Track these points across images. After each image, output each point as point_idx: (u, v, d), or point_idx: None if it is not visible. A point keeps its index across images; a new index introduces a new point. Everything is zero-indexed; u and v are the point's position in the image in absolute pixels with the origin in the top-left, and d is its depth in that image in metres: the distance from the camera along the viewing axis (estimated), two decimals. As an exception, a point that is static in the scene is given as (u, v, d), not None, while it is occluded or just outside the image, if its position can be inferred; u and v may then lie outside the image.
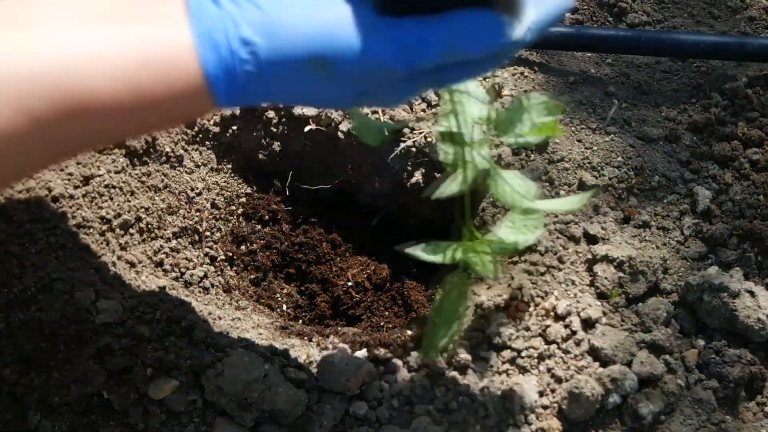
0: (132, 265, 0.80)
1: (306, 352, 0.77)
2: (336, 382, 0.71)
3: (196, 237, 0.90)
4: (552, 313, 0.77)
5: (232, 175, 0.98)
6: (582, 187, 0.88)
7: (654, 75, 1.04)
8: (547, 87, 0.99)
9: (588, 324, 0.76)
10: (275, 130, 0.98)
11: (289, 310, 0.96)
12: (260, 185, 1.01)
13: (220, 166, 0.96)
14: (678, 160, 0.92)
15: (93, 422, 0.68)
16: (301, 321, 0.96)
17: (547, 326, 0.76)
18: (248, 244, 0.96)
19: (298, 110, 0.97)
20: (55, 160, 0.52)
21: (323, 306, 0.97)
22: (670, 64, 1.05)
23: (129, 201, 0.83)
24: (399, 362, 0.76)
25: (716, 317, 0.76)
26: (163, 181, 0.89)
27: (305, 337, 0.84)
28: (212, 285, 0.87)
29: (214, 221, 0.93)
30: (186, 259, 0.87)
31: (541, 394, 0.73)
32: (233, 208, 0.97)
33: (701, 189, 0.88)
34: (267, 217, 0.99)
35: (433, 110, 0.96)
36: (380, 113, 0.96)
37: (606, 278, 0.79)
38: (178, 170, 0.92)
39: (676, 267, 0.81)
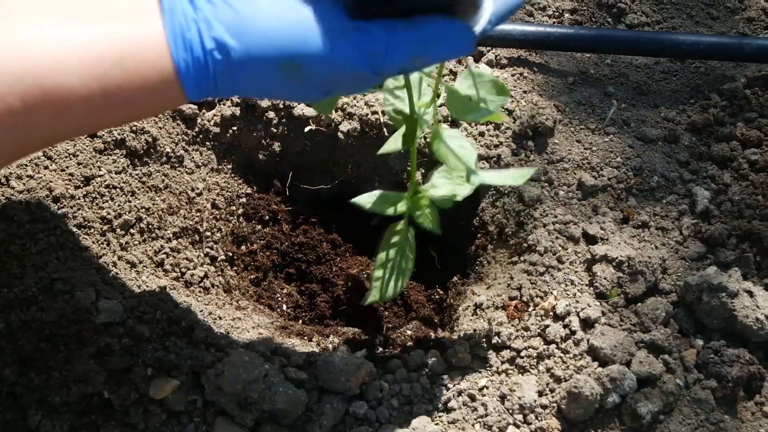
0: (132, 265, 0.80)
1: (306, 351, 0.77)
2: (336, 382, 0.71)
3: (197, 237, 0.91)
4: (551, 313, 0.77)
5: (233, 175, 0.98)
6: (581, 187, 0.89)
7: (653, 76, 1.04)
8: (546, 87, 0.99)
9: (587, 324, 0.76)
10: (275, 130, 0.98)
11: (289, 310, 0.96)
12: (260, 185, 1.01)
13: (220, 167, 0.97)
14: (677, 160, 0.93)
15: (93, 422, 0.68)
16: (301, 321, 0.96)
17: (547, 326, 0.76)
18: (248, 244, 0.97)
19: (298, 110, 0.98)
20: (26, 152, 0.53)
21: (323, 306, 0.97)
22: (669, 65, 1.06)
23: (129, 201, 0.83)
24: (399, 362, 0.76)
25: (715, 317, 0.76)
26: (163, 181, 0.89)
27: (305, 337, 0.84)
28: (212, 285, 0.88)
29: (214, 221, 0.93)
30: (186, 259, 0.87)
31: (541, 393, 0.73)
32: (233, 208, 0.97)
33: (700, 189, 0.88)
34: (267, 217, 1.00)
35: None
36: (380, 114, 0.96)
37: (605, 278, 0.79)
38: (179, 170, 0.92)
39: (675, 267, 0.82)
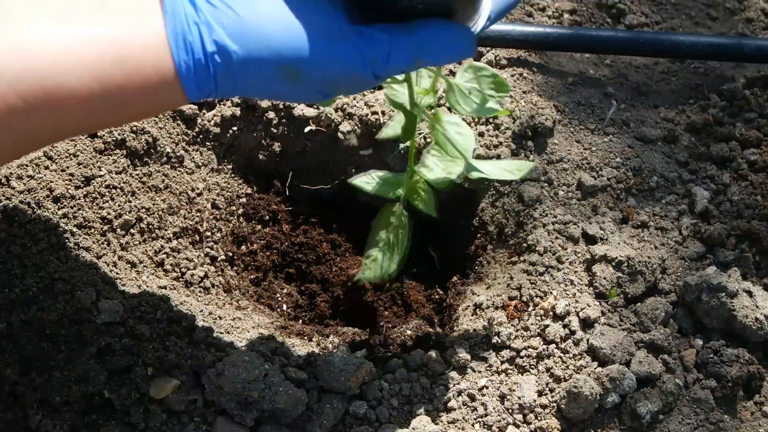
0: (133, 265, 0.80)
1: (306, 351, 0.77)
2: (336, 381, 0.71)
3: (197, 237, 0.91)
4: (551, 313, 0.77)
5: (233, 175, 0.98)
6: (581, 187, 0.89)
7: (652, 76, 1.04)
8: (546, 88, 0.99)
9: (587, 324, 0.76)
10: (275, 130, 0.98)
11: (289, 310, 0.96)
12: (260, 185, 1.01)
13: (220, 167, 0.97)
14: (676, 160, 0.93)
15: (94, 422, 0.68)
16: (301, 321, 0.96)
17: (546, 326, 0.76)
18: (248, 244, 0.97)
19: (298, 111, 0.98)
20: (25, 151, 0.53)
21: (323, 306, 0.97)
22: (668, 65, 1.06)
23: (130, 201, 0.83)
24: (399, 362, 0.76)
25: (714, 317, 0.76)
26: (163, 181, 0.89)
27: (305, 337, 0.85)
28: (213, 285, 0.88)
29: (214, 221, 0.93)
30: (186, 259, 0.87)
31: (540, 393, 0.73)
32: (233, 208, 0.97)
33: (699, 189, 0.88)
34: (267, 217, 1.00)
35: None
36: (380, 114, 0.97)
37: (605, 278, 0.79)
38: (179, 171, 0.92)
39: (675, 267, 0.82)
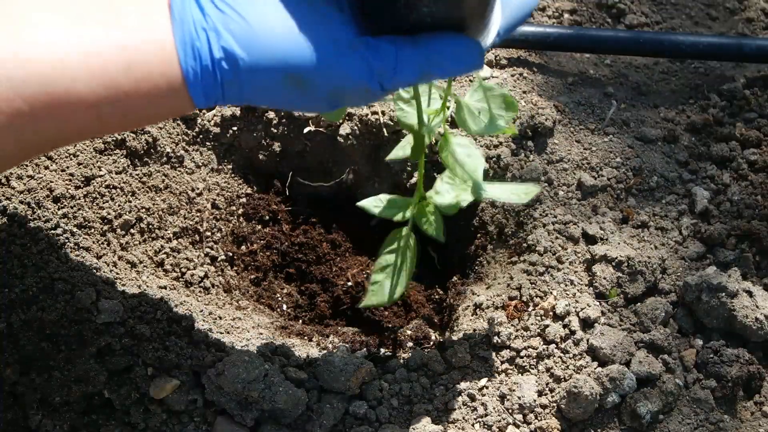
0: (133, 265, 0.80)
1: (306, 351, 0.77)
2: (336, 381, 0.71)
3: (197, 237, 0.91)
4: (551, 313, 0.77)
5: (233, 175, 0.98)
6: (581, 187, 0.89)
7: (652, 76, 1.04)
8: (546, 88, 0.99)
9: (587, 324, 0.76)
10: (275, 130, 0.98)
11: (289, 310, 0.96)
12: (260, 185, 1.01)
13: (220, 167, 0.97)
14: (676, 160, 0.93)
15: (94, 421, 0.68)
16: (301, 321, 0.96)
17: (546, 326, 0.76)
18: (248, 244, 0.97)
19: (297, 111, 0.98)
20: (29, 156, 0.53)
21: (323, 306, 0.97)
22: (668, 65, 1.06)
23: (130, 201, 0.83)
24: (399, 362, 0.76)
25: (714, 317, 0.76)
26: (163, 181, 0.89)
27: (305, 337, 0.85)
28: (213, 285, 0.88)
29: (214, 221, 0.93)
30: (186, 259, 0.87)
31: (540, 393, 0.73)
32: (233, 208, 0.97)
33: (699, 189, 0.88)
34: (267, 217, 1.00)
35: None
36: (380, 115, 0.97)
37: (605, 278, 0.79)
38: (179, 171, 0.92)
39: (675, 267, 0.82)
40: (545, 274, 0.81)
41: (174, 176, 0.91)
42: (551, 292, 0.79)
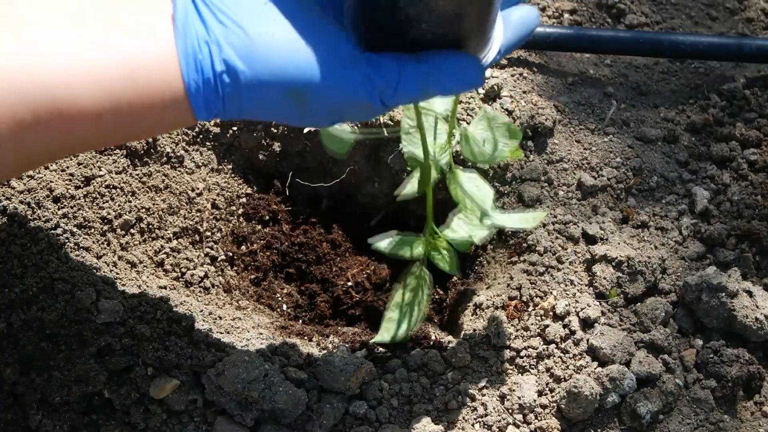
0: (133, 265, 0.80)
1: (306, 351, 0.77)
2: (336, 381, 0.71)
3: (197, 237, 0.91)
4: (551, 313, 0.77)
5: (233, 175, 0.98)
6: (581, 187, 0.89)
7: (652, 76, 1.04)
8: (545, 88, 0.99)
9: (587, 324, 0.76)
10: (275, 130, 0.98)
11: (289, 310, 0.96)
12: (260, 185, 1.01)
13: (220, 167, 0.97)
14: (676, 160, 0.93)
15: (94, 422, 0.68)
16: (301, 321, 0.96)
17: (546, 326, 0.76)
18: (248, 244, 0.97)
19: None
20: (31, 166, 0.53)
21: (323, 306, 0.97)
22: (668, 65, 1.06)
23: (130, 201, 0.83)
24: (399, 362, 0.76)
25: (714, 317, 0.76)
26: (163, 181, 0.89)
27: (305, 337, 0.85)
28: (213, 285, 0.88)
29: (214, 221, 0.93)
30: (186, 259, 0.87)
31: (540, 393, 0.73)
32: (233, 208, 0.97)
33: (699, 189, 0.88)
34: (267, 217, 1.00)
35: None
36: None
37: (605, 278, 0.79)
38: (179, 171, 0.92)
39: (675, 267, 0.82)
40: (545, 274, 0.81)
41: (174, 176, 0.91)
42: (551, 292, 0.79)
